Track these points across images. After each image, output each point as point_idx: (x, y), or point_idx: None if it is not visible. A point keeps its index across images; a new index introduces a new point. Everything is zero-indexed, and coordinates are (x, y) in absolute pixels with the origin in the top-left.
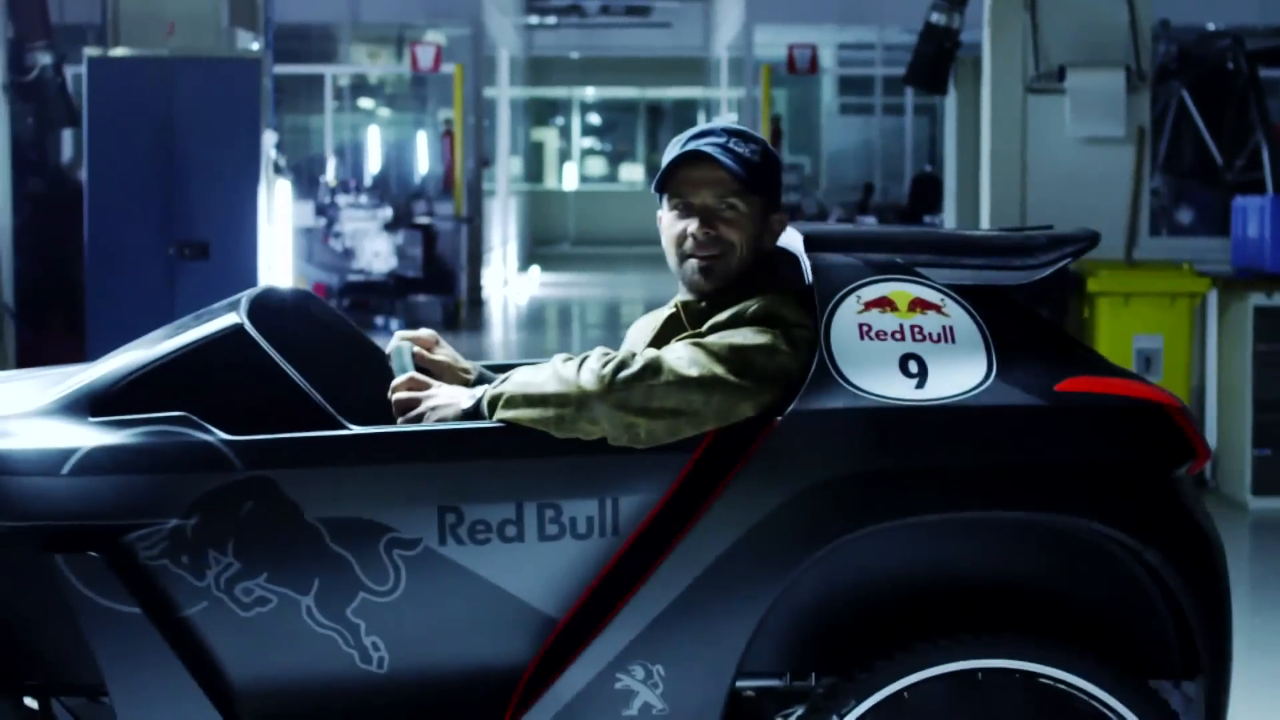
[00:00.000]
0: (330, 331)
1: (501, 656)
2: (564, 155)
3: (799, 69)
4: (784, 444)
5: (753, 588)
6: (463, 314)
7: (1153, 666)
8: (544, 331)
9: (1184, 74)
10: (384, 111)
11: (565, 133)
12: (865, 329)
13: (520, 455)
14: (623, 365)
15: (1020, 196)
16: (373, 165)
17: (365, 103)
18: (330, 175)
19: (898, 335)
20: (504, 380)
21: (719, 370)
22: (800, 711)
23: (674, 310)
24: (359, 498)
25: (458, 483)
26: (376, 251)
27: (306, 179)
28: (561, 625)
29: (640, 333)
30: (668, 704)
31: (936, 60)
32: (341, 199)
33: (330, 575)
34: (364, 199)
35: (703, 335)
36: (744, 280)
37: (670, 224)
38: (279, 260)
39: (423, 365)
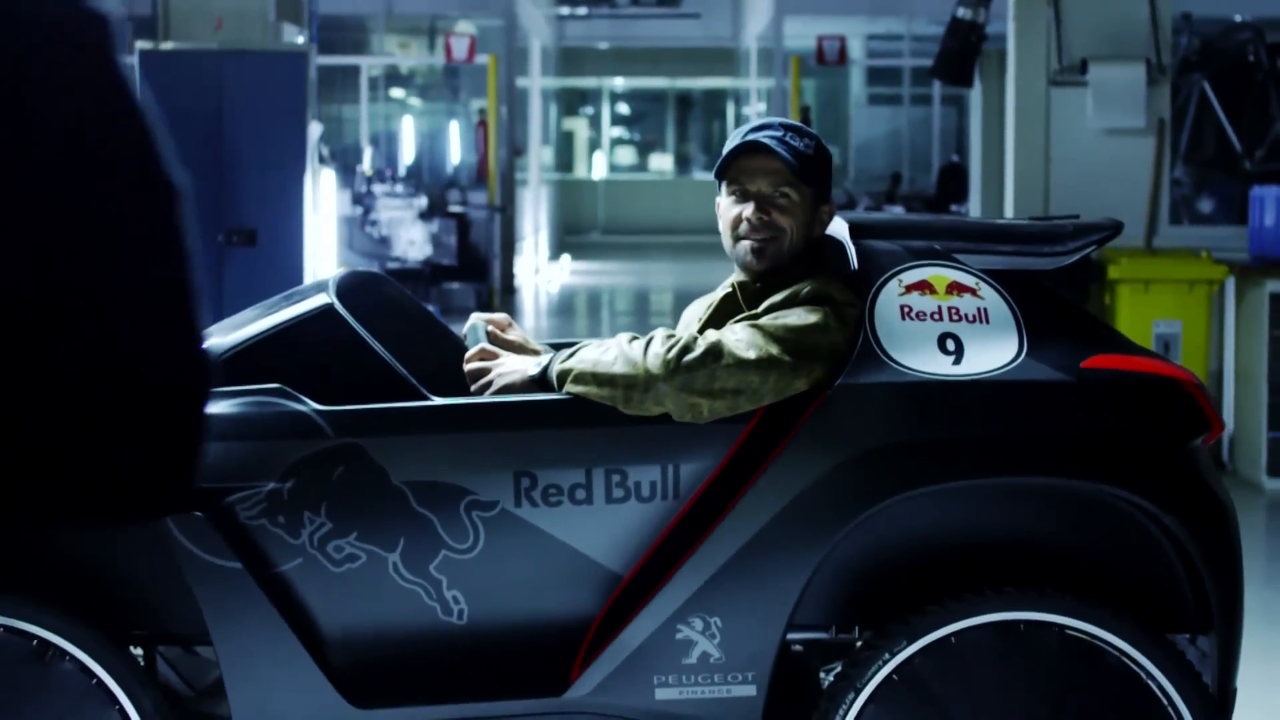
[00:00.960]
0: (402, 310)
1: (571, 609)
2: (594, 145)
3: (828, 60)
4: (832, 415)
5: (802, 547)
6: (496, 301)
7: (1170, 622)
8: (575, 318)
9: (1206, 66)
10: (416, 101)
11: (595, 122)
12: (906, 310)
13: (589, 425)
14: (686, 349)
15: (1044, 186)
16: (407, 155)
17: (398, 92)
18: (366, 164)
19: (936, 316)
20: (572, 354)
21: (775, 350)
22: (843, 665)
23: (730, 290)
24: (441, 463)
25: (532, 450)
26: (412, 240)
27: (341, 168)
28: (626, 581)
29: (695, 312)
30: (724, 653)
31: (962, 54)
32: (378, 188)
33: (415, 534)
34: (399, 188)
35: (758, 316)
36: (795, 264)
37: (727, 209)
38: (324, 247)
39: (496, 343)
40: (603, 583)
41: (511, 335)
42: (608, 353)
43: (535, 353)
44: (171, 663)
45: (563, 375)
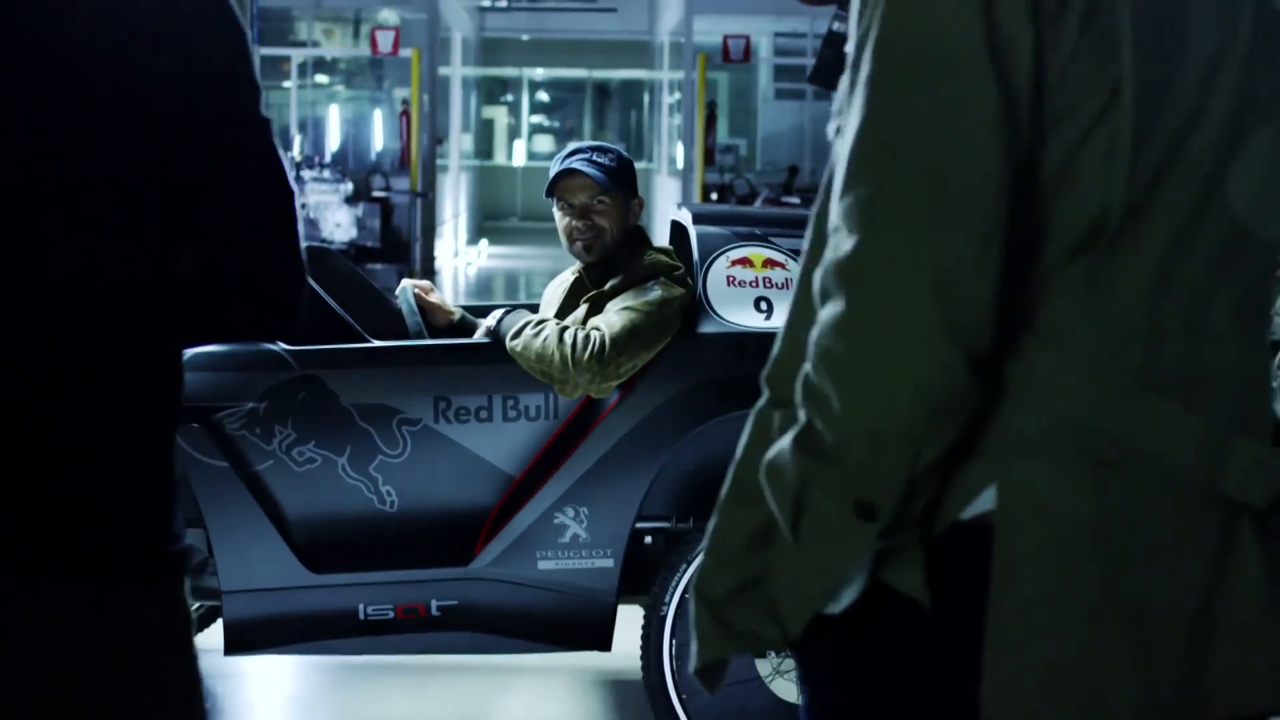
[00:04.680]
0: (345, 276)
1: (476, 501)
2: (513, 133)
3: (733, 57)
4: (672, 357)
5: (649, 454)
6: None
7: None
8: (492, 299)
9: None
10: (341, 88)
11: (515, 111)
12: (731, 279)
13: (491, 363)
14: (599, 352)
15: None
16: (333, 141)
17: (322, 78)
18: (295, 151)
19: (753, 284)
20: (520, 332)
21: (643, 322)
22: (677, 544)
23: (578, 275)
24: (378, 389)
25: (447, 381)
26: (338, 223)
27: None
28: (518, 480)
29: (553, 293)
30: (589, 534)
31: (835, 62)
32: (306, 173)
33: (358, 443)
34: (326, 174)
35: (612, 294)
36: (619, 247)
37: (560, 219)
38: None
39: (420, 304)
40: (500, 481)
41: (433, 298)
42: (546, 345)
43: (450, 313)
44: None
45: (511, 349)
